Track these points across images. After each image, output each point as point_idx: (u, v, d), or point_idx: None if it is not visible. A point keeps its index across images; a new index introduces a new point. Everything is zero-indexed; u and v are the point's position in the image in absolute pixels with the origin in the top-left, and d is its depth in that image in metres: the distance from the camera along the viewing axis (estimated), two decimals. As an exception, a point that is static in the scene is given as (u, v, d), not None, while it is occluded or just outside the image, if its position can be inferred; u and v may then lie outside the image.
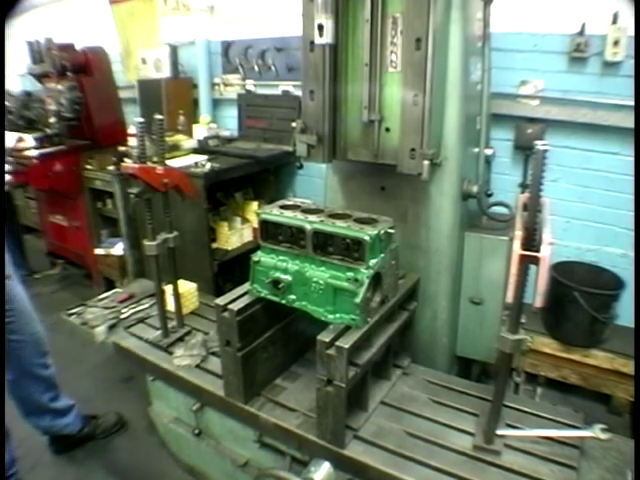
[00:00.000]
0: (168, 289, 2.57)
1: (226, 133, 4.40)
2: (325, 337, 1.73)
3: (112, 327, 2.56)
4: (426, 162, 1.99)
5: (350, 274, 1.79)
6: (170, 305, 2.60)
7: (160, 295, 2.44)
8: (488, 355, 2.45)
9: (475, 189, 2.32)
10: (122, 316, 2.65)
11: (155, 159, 2.29)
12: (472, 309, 2.46)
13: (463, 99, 2.19)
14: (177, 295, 2.54)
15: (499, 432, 1.82)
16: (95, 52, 4.13)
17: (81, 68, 4.03)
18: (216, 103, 4.60)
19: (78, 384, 3.15)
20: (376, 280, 1.86)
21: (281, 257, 1.94)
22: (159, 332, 2.48)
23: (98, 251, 4.22)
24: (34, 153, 3.85)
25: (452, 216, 2.31)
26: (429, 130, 1.98)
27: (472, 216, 2.47)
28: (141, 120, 2.17)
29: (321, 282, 1.84)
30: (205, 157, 3.68)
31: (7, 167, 3.00)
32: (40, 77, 4.15)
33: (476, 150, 2.45)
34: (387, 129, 2.12)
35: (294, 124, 2.21)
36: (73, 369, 3.32)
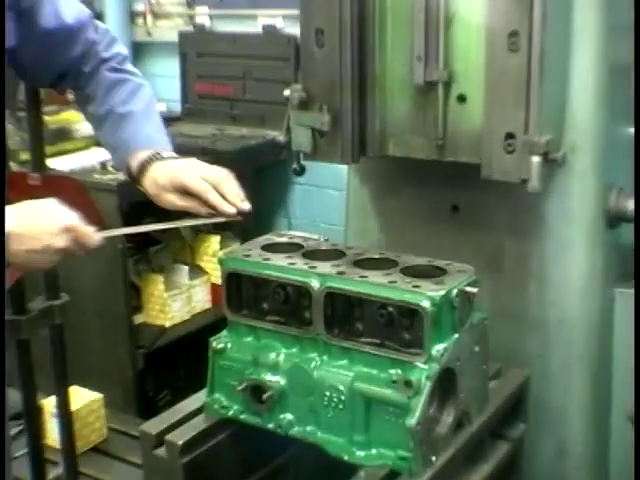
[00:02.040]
0: (49, 404, 2.61)
1: (159, 107, 4.50)
2: (351, 495, 1.77)
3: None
4: (536, 158, 2.05)
5: (396, 372, 1.82)
6: (53, 436, 2.63)
7: (33, 417, 2.48)
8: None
9: (632, 205, 2.38)
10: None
11: (24, 157, 2.36)
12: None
13: (605, 36, 2.27)
14: (67, 416, 2.58)
15: None
16: None
17: None
18: (139, 51, 4.73)
19: None
20: (446, 383, 1.88)
21: (266, 341, 1.99)
22: (30, 489, 2.51)
23: None
24: None
25: (589, 259, 2.36)
26: (540, 98, 2.05)
27: (628, 257, 2.51)
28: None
29: (341, 388, 1.87)
30: (119, 152, 3.79)
31: None
32: None
33: (632, 131, 2.51)
34: (461, 97, 2.20)
35: (287, 91, 2.30)
36: None
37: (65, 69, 2.10)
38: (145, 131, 2.10)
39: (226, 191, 1.94)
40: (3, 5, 1.64)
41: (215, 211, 1.93)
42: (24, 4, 1.92)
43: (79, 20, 2.06)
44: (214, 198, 1.92)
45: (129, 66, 2.18)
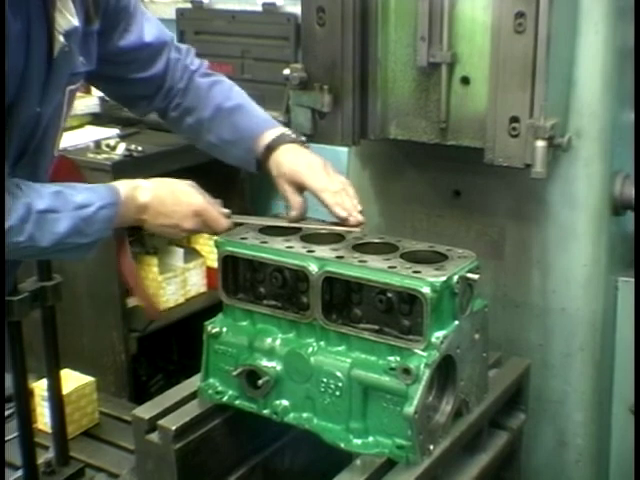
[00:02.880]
0: (40, 387, 2.60)
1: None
2: (347, 483, 1.77)
3: None
4: (541, 143, 2.04)
5: (395, 359, 1.82)
6: (44, 420, 2.63)
7: (24, 400, 2.48)
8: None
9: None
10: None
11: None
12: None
13: (613, 18, 2.26)
14: (58, 399, 2.58)
15: None
16: None
17: None
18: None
19: None
20: (445, 371, 1.89)
21: (262, 326, 1.99)
22: (19, 474, 2.51)
23: None
24: None
25: (593, 247, 2.36)
26: (546, 81, 2.04)
27: (631, 245, 2.50)
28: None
29: (339, 375, 1.86)
30: (116, 132, 3.76)
31: None
32: None
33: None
34: (465, 79, 2.20)
35: (287, 71, 2.29)
36: None
37: (146, 87, 2.22)
38: (261, 116, 2.24)
39: (344, 199, 2.06)
40: (3, 5, 1.66)
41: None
42: (104, 25, 2.04)
43: (159, 39, 2.21)
44: (332, 201, 2.05)
45: None
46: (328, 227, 2.07)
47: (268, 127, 2.18)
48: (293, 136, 2.16)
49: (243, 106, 2.24)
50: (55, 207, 1.77)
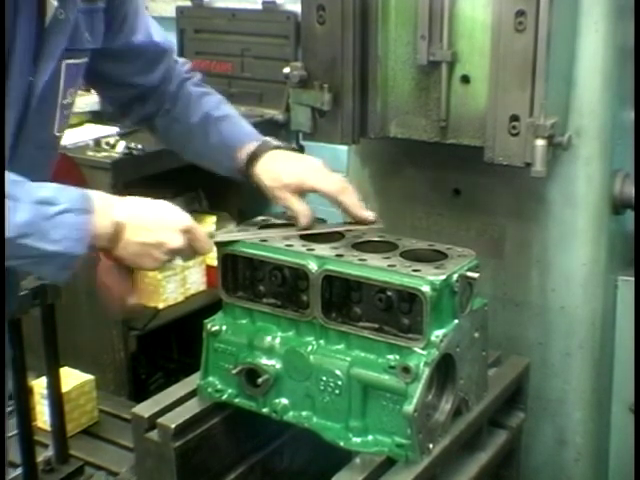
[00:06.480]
0: (39, 385, 2.61)
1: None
2: (346, 482, 1.77)
3: None
4: (541, 142, 2.04)
5: (394, 358, 1.83)
6: (43, 418, 2.63)
7: (23, 398, 2.48)
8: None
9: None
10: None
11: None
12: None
13: (614, 17, 2.27)
14: (58, 397, 2.58)
15: None
16: None
17: None
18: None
19: None
20: (445, 370, 1.89)
21: (261, 324, 2.00)
22: (18, 472, 2.52)
23: None
24: None
25: (592, 246, 2.36)
26: (546, 79, 2.04)
27: (631, 244, 2.51)
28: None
29: (338, 373, 1.87)
30: (115, 130, 3.76)
31: None
32: None
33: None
34: (465, 78, 2.20)
35: (287, 69, 2.28)
36: None
37: (145, 90, 2.19)
38: (247, 128, 2.20)
39: (355, 198, 2.06)
40: (3, 5, 1.64)
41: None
42: (118, 14, 2.03)
43: (165, 42, 2.24)
44: (351, 202, 2.04)
45: None
46: (348, 228, 2.05)
47: (252, 139, 2.14)
48: (275, 143, 2.13)
49: (231, 116, 2.21)
50: (14, 195, 1.53)
